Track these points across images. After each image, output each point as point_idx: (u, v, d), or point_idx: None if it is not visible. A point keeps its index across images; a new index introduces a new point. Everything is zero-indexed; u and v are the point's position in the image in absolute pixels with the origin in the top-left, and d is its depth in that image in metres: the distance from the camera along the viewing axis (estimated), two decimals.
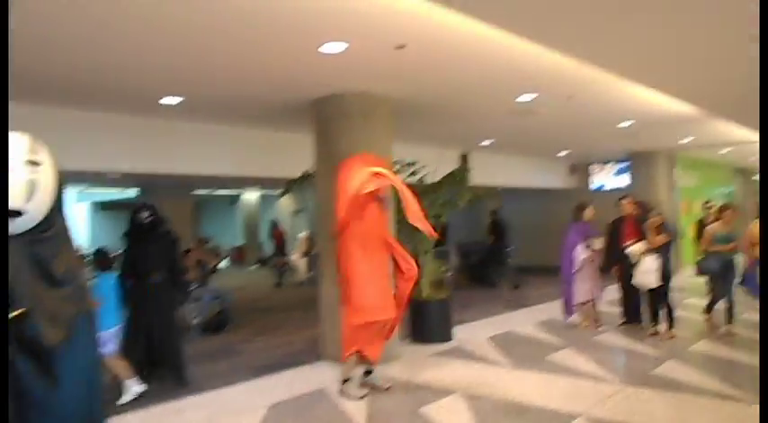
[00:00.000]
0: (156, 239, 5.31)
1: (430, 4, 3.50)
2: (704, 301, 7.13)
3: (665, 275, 6.60)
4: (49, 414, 2.12)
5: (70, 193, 15.96)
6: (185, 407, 4.69)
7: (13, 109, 2.52)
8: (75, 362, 2.20)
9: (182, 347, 5.41)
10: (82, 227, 19.13)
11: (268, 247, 17.10)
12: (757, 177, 17.31)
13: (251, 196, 19.52)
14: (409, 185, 5.00)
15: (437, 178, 7.26)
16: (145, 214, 5.29)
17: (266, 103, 6.26)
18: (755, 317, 6.87)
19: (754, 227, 6.15)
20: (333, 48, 4.40)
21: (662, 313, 6.67)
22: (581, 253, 7.12)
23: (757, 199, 8.34)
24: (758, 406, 3.29)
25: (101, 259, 5.18)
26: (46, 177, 2.17)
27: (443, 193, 7.21)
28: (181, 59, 4.62)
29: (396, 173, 6.67)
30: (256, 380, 5.43)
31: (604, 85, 6.05)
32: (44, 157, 2.19)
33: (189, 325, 7.60)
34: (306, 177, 7.03)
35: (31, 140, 2.19)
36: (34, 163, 2.14)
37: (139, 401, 4.77)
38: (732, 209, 7.01)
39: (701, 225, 8.91)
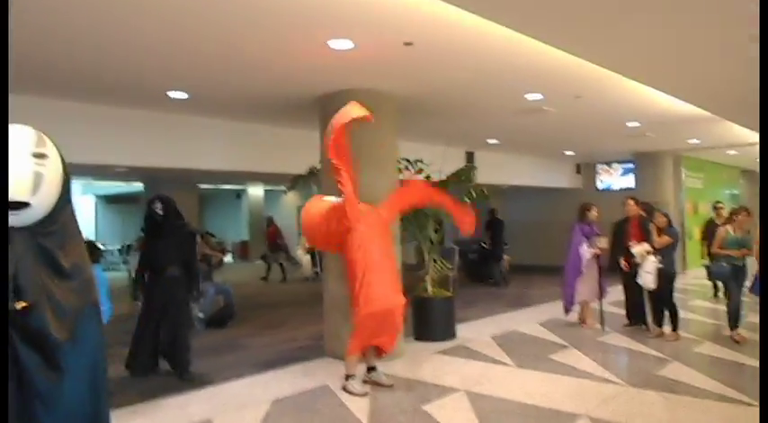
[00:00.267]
0: (171, 232, 5.24)
1: (438, 0, 3.49)
2: (708, 303, 7.05)
3: (669, 277, 6.57)
4: (53, 406, 2.13)
5: (75, 186, 16.01)
6: (189, 401, 4.70)
7: (19, 101, 2.52)
8: (81, 355, 2.20)
9: (189, 344, 5.39)
10: (87, 220, 19.21)
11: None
12: None
13: (257, 191, 19.51)
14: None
15: (443, 176, 7.24)
16: (158, 206, 5.23)
17: (273, 98, 6.26)
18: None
19: None
20: (340, 44, 4.39)
21: (666, 315, 6.65)
22: (585, 253, 7.11)
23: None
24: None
25: (89, 252, 5.17)
26: (52, 170, 2.16)
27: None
28: (187, 53, 4.63)
29: (400, 171, 6.67)
30: (260, 374, 5.43)
31: (611, 85, 6.02)
32: (50, 149, 2.19)
33: (194, 319, 7.62)
34: (312, 173, 7.02)
35: (38, 133, 2.18)
36: (40, 155, 2.13)
37: (144, 395, 4.78)
38: (746, 212, 6.58)
39: (711, 226, 8.80)
